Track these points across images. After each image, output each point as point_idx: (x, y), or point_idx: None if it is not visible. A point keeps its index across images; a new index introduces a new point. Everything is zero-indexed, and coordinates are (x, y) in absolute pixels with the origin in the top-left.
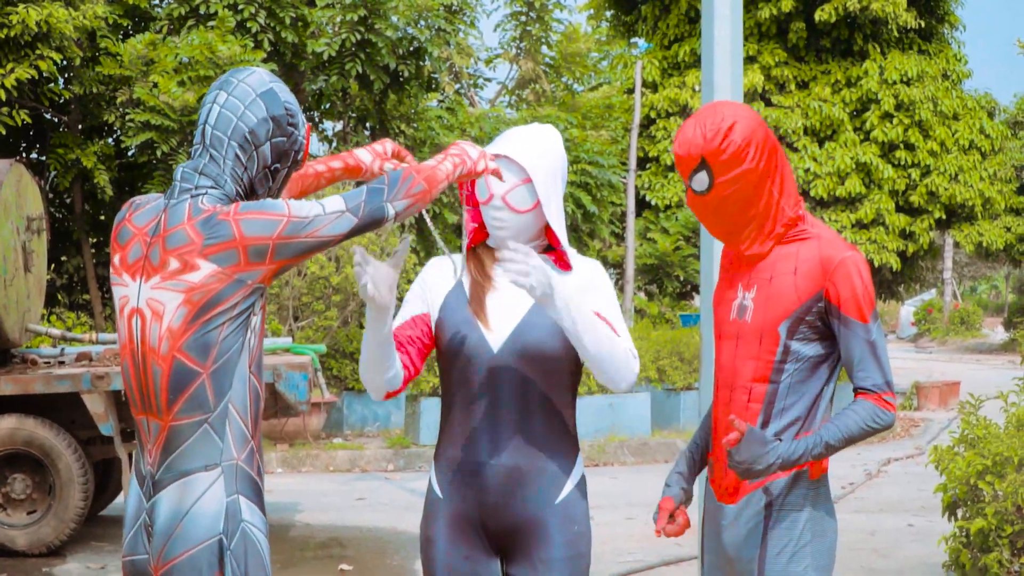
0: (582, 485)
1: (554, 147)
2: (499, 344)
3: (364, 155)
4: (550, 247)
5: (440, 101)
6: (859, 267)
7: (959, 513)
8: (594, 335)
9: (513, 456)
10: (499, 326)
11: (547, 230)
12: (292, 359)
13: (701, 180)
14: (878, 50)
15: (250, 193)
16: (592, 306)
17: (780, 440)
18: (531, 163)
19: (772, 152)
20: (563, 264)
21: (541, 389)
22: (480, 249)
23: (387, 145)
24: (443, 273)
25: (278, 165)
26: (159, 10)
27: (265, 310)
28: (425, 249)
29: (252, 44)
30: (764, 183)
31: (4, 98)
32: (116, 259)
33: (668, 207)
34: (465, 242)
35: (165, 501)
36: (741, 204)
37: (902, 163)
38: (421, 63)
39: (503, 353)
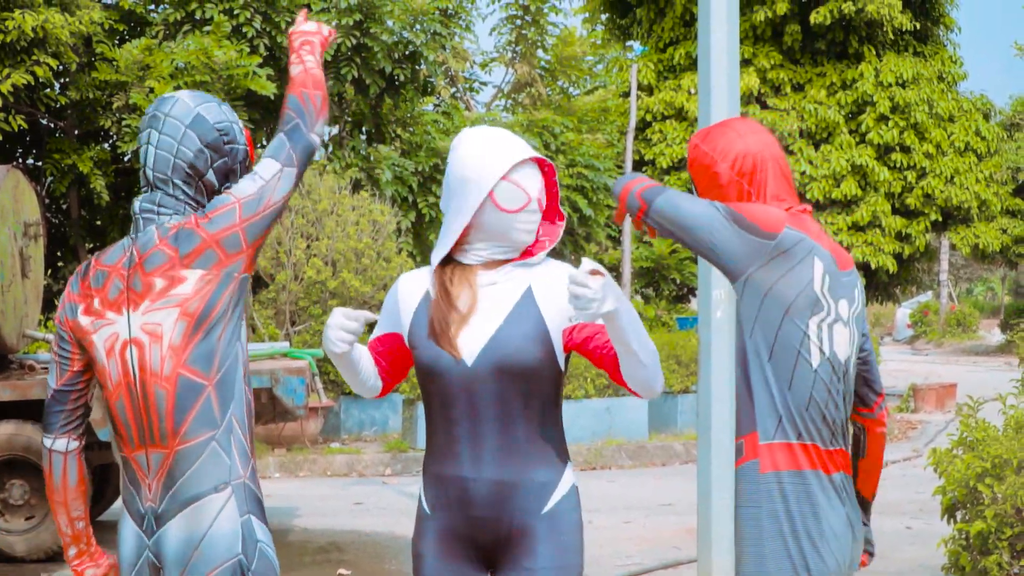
0: (572, 495)
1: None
2: (473, 358)
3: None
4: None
5: (436, 105)
6: None
7: (958, 516)
8: (645, 344)
9: (496, 470)
10: (471, 339)
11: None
12: (289, 364)
13: None
14: (873, 52)
15: None
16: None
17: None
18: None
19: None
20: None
21: (521, 400)
22: (451, 265)
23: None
24: (416, 287)
25: (228, 183)
26: (155, 15)
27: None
28: (422, 254)
29: (248, 49)
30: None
31: (0, 104)
32: (95, 303)
33: None
34: (439, 257)
35: (175, 530)
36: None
37: (898, 165)
38: (417, 67)
39: (478, 367)
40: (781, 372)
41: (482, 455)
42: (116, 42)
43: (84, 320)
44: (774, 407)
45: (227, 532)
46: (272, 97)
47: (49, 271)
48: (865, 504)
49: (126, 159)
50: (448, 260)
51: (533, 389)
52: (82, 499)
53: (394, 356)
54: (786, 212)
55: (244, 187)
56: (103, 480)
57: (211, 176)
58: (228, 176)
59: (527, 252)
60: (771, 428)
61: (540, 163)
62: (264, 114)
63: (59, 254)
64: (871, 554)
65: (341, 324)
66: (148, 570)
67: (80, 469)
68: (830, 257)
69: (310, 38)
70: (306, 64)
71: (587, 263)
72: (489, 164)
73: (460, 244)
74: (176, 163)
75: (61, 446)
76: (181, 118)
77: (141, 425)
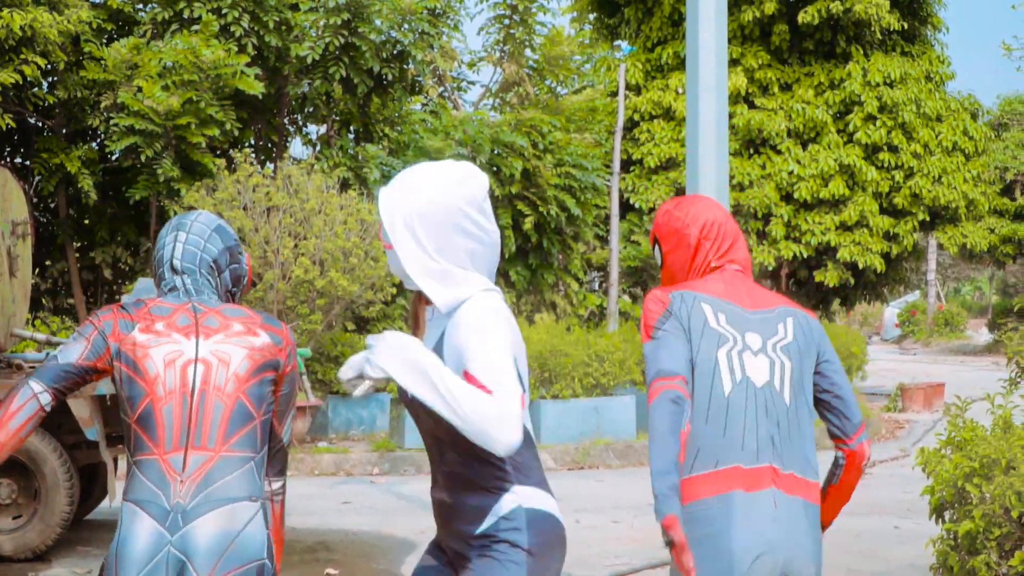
0: (513, 516)
1: (427, 187)
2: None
3: None
4: None
5: (424, 104)
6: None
7: (946, 515)
8: (451, 406)
9: (440, 490)
10: None
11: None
12: None
13: None
14: (861, 52)
15: None
16: (464, 363)
17: None
18: (385, 199)
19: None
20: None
21: (451, 430)
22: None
23: None
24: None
25: (235, 289)
26: (143, 14)
27: None
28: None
29: (236, 48)
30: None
31: None
32: (159, 325)
33: (652, 209)
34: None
35: (210, 526)
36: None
37: (885, 165)
38: (405, 66)
39: (413, 399)
40: (698, 407)
41: (436, 474)
42: (104, 41)
43: (141, 337)
44: (696, 440)
45: (257, 537)
46: (260, 96)
47: (37, 270)
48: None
49: (114, 158)
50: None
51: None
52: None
53: None
54: (705, 273)
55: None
56: (91, 480)
57: (227, 276)
58: (236, 283)
59: None
60: (696, 461)
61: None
62: (252, 113)
63: (47, 253)
64: None
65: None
66: (165, 567)
67: (29, 429)
68: (723, 300)
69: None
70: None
71: (369, 340)
72: None
73: None
74: (203, 257)
75: (45, 399)
76: (207, 223)
77: (188, 429)
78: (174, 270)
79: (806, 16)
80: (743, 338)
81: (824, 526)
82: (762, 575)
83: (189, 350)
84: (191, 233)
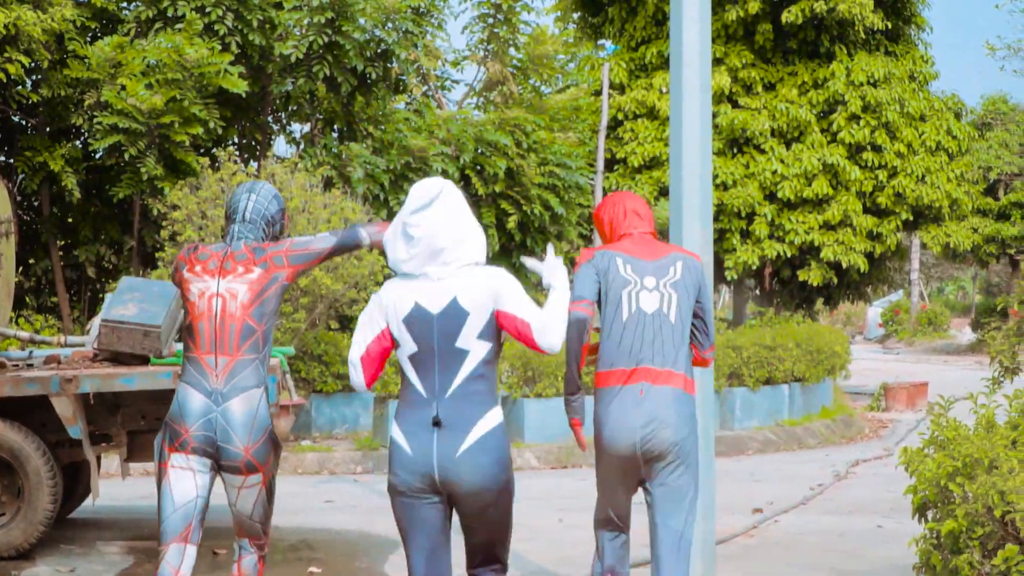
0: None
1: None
2: None
3: None
4: None
5: (408, 103)
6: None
7: (929, 515)
8: (565, 302)
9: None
10: None
11: None
12: None
13: None
14: (845, 52)
15: None
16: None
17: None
18: None
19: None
20: None
21: None
22: None
23: None
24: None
25: (277, 233)
26: (127, 13)
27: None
28: None
29: (220, 47)
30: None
31: None
32: (197, 268)
33: None
34: None
35: (239, 405)
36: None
37: (869, 164)
38: (388, 65)
39: None
40: (607, 326)
41: None
42: (88, 39)
43: (187, 275)
44: (601, 349)
45: (264, 411)
46: (244, 95)
47: (20, 268)
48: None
49: (97, 156)
50: None
51: None
52: None
53: None
54: (620, 238)
55: (301, 238)
56: (74, 478)
57: (276, 227)
58: (280, 230)
59: None
60: (600, 363)
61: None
62: (235, 111)
63: (30, 251)
64: None
65: None
66: (214, 424)
67: None
68: (630, 256)
69: None
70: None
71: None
72: None
73: None
74: (264, 213)
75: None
76: (270, 190)
77: (215, 340)
78: (243, 219)
79: (790, 15)
80: (642, 280)
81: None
82: (629, 439)
83: (213, 287)
84: (259, 195)
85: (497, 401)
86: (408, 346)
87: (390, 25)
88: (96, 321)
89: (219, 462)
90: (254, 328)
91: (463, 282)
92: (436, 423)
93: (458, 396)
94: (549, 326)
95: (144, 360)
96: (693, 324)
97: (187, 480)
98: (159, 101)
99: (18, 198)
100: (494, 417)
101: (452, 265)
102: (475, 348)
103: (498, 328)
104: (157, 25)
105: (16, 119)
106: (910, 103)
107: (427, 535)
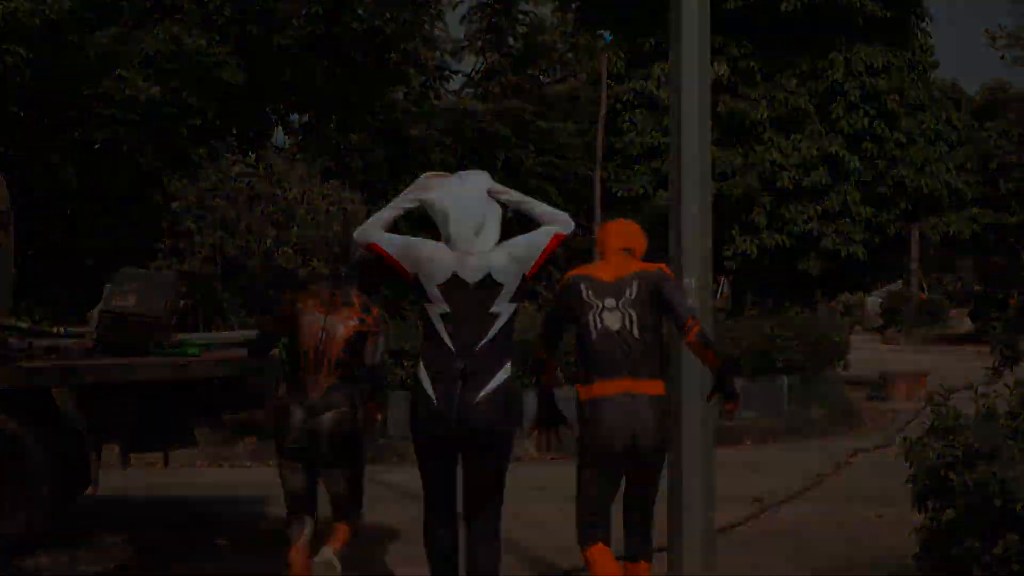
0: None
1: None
2: None
3: None
4: None
5: (406, 93)
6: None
7: (929, 504)
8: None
9: None
10: None
11: None
12: None
13: None
14: (844, 41)
15: None
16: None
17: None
18: None
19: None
20: None
21: None
22: None
23: None
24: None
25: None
26: (125, 3)
27: None
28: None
29: (218, 37)
30: None
31: None
32: (309, 303)
33: (635, 198)
34: None
35: (330, 416)
36: None
37: (869, 154)
38: (387, 55)
39: None
40: (582, 344)
41: None
42: (86, 30)
43: (306, 309)
44: (583, 364)
45: (349, 427)
46: (242, 85)
47: (18, 259)
48: (717, 371)
49: (96, 147)
50: None
51: None
52: None
53: None
54: (611, 253)
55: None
56: (74, 469)
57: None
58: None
59: None
60: (582, 377)
61: None
62: (234, 102)
63: (29, 242)
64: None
65: None
66: (306, 433)
67: None
68: (594, 279)
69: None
70: None
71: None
72: None
73: None
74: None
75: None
76: None
77: (317, 363)
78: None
79: (788, 5)
80: (603, 302)
81: (717, 366)
82: (618, 440)
83: (319, 321)
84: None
85: (514, 351)
86: (440, 306)
87: (389, 15)
88: (96, 312)
89: None
90: (344, 361)
91: (495, 256)
92: (463, 375)
93: (485, 351)
94: (550, 219)
95: (144, 351)
96: (666, 313)
97: None
98: (157, 92)
99: (16, 189)
100: (509, 368)
101: (488, 243)
102: (505, 311)
103: (525, 288)
104: (155, 16)
105: (14, 110)
106: (910, 92)
107: (443, 464)
